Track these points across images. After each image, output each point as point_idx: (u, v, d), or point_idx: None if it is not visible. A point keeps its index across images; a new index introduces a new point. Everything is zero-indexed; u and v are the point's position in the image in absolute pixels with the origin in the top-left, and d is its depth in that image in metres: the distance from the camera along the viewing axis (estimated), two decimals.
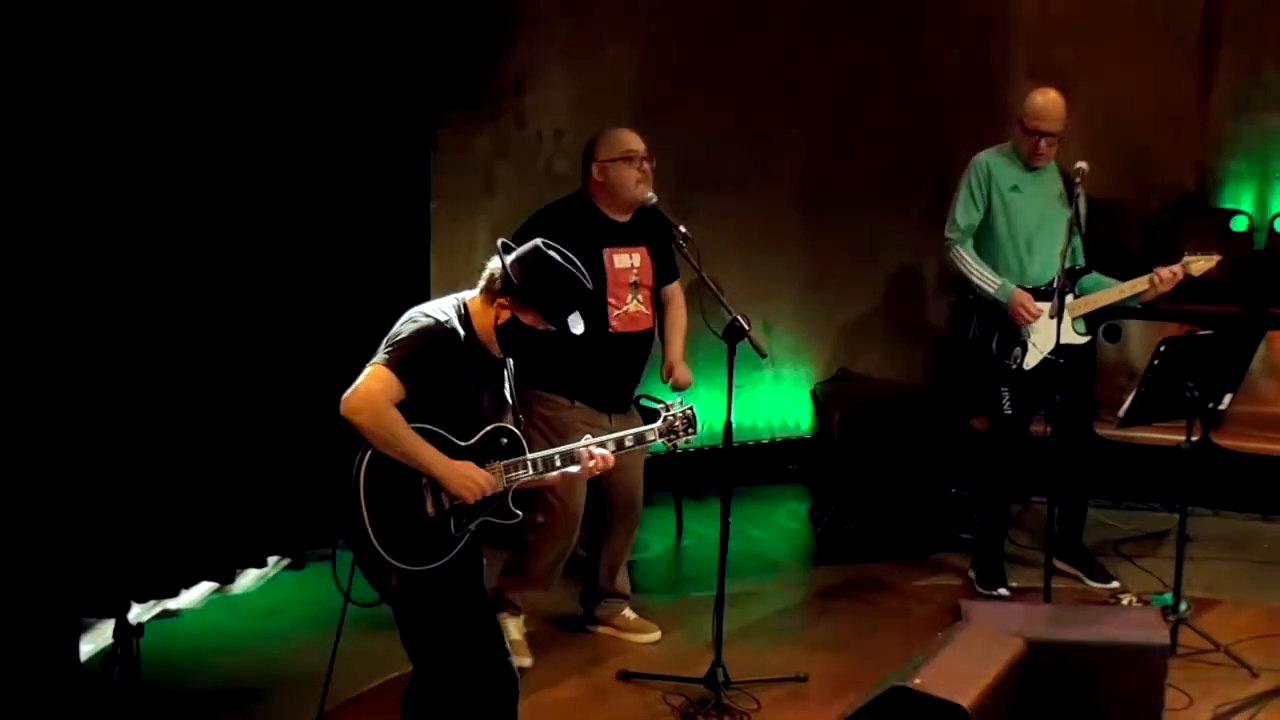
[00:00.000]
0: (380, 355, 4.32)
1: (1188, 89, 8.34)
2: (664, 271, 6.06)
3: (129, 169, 5.71)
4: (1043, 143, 6.46)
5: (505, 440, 4.47)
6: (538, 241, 4.44)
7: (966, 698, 4.65)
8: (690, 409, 4.79)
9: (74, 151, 5.41)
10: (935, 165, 8.42)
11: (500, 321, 4.38)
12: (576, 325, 4.45)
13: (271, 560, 6.72)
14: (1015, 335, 6.48)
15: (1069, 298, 6.39)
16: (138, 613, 6.11)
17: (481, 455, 4.42)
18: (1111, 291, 6.45)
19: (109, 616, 5.55)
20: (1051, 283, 6.33)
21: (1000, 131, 8.24)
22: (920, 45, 8.28)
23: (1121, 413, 6.04)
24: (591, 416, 5.80)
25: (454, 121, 7.19)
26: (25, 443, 5.38)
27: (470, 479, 4.35)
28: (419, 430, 4.31)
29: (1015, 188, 6.52)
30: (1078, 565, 6.77)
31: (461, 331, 4.37)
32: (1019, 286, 6.47)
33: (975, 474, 7.08)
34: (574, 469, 4.58)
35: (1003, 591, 6.61)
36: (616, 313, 5.86)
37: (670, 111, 7.80)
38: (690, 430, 4.79)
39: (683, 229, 5.59)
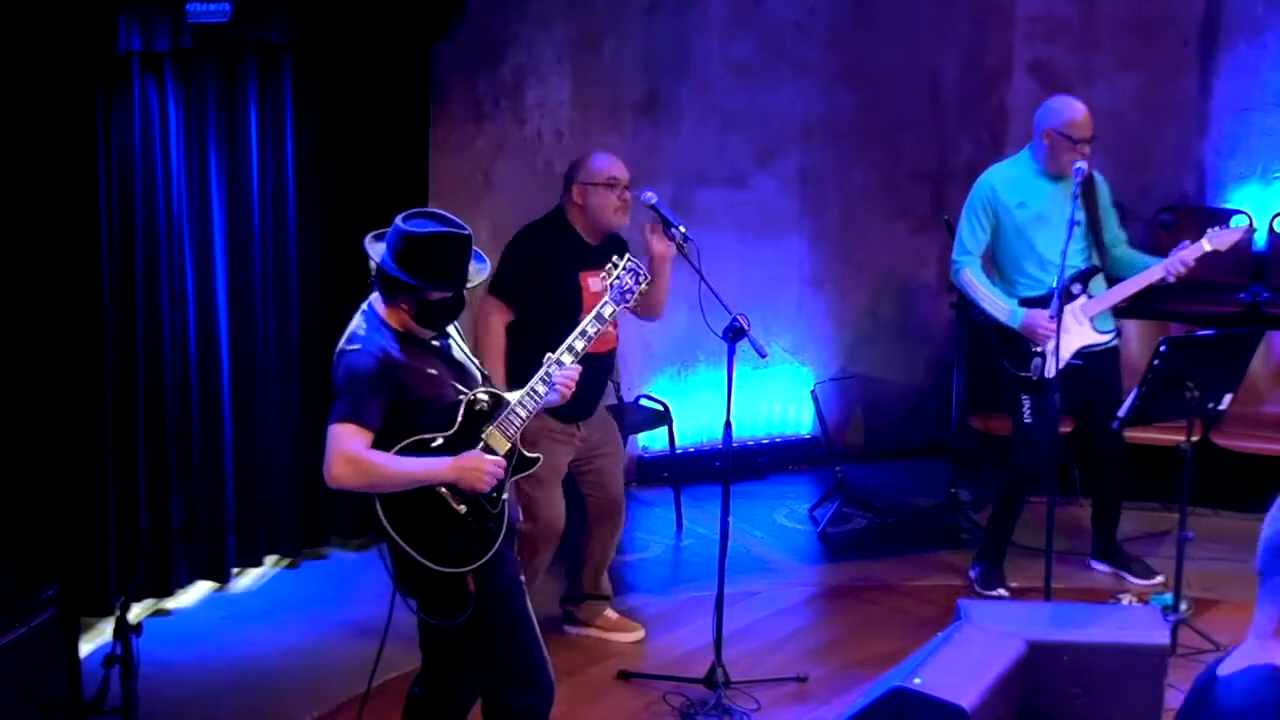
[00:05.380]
0: (333, 412, 4.27)
1: (1188, 89, 8.33)
2: None
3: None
4: (1087, 148, 6.31)
5: (484, 402, 4.40)
6: (396, 220, 4.32)
7: (967, 698, 4.64)
8: (630, 260, 4.74)
9: None
10: (935, 165, 8.43)
11: (411, 314, 4.32)
12: (478, 276, 4.39)
13: (269, 560, 6.71)
14: (1029, 348, 6.38)
15: (1083, 299, 6.38)
16: (137, 612, 6.11)
17: (471, 430, 4.37)
18: (1125, 285, 6.41)
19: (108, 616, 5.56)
20: (1065, 286, 6.31)
21: (1000, 131, 8.26)
22: (920, 44, 8.27)
23: (1122, 413, 6.05)
24: (559, 426, 5.73)
25: (454, 121, 7.17)
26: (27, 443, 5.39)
27: (477, 469, 4.31)
28: (403, 447, 4.27)
29: (1022, 203, 6.41)
30: (1117, 565, 6.78)
31: (384, 340, 4.30)
32: (1027, 299, 6.38)
33: (991, 475, 7.07)
34: (553, 396, 4.52)
35: (1002, 591, 6.60)
36: None
37: (670, 110, 7.80)
38: (642, 276, 4.73)
39: (682, 228, 5.57)
